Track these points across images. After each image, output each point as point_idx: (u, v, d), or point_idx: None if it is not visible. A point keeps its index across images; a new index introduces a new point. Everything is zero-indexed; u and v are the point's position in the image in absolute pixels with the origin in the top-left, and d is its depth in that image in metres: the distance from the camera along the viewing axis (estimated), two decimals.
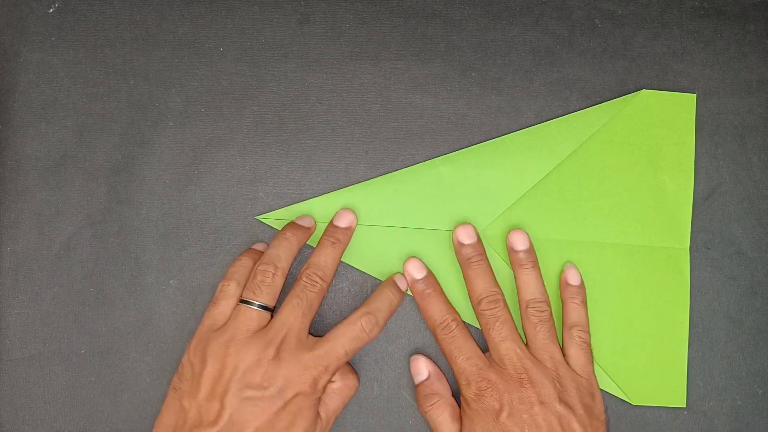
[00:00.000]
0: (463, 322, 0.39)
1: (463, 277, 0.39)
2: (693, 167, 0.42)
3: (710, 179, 0.42)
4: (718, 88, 0.43)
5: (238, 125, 0.41)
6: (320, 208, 0.40)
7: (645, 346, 0.40)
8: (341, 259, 0.40)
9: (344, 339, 0.35)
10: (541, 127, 0.41)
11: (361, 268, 0.40)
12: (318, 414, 0.35)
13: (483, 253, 0.39)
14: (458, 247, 0.39)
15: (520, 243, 0.39)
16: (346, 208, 0.39)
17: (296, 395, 0.33)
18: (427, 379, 0.39)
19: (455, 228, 0.39)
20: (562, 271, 0.40)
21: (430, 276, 0.39)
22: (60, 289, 0.40)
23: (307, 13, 0.42)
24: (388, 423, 0.40)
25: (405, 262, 0.40)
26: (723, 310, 0.41)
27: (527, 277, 0.38)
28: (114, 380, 0.40)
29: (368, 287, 0.41)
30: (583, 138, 0.41)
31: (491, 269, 0.39)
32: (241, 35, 0.42)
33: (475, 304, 0.38)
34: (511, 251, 0.39)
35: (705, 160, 0.42)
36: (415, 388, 0.39)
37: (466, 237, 0.39)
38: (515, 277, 0.39)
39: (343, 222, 0.39)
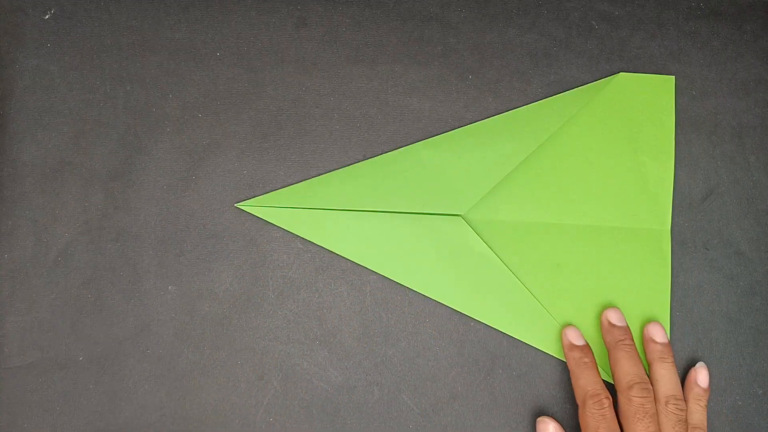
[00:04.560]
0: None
1: (610, 358, 0.38)
2: (673, 149, 0.42)
3: (708, 179, 0.42)
4: (715, 88, 0.43)
5: (235, 130, 0.41)
6: (300, 195, 0.40)
7: None
8: (338, 252, 0.40)
9: None
10: (520, 110, 0.42)
11: (345, 255, 0.40)
12: None
13: (632, 338, 0.39)
14: (608, 327, 0.39)
15: (659, 335, 0.39)
16: None
17: None
18: None
19: (605, 311, 0.39)
20: (692, 369, 0.40)
21: (588, 346, 0.39)
22: (57, 296, 0.40)
23: (303, 17, 0.42)
24: (389, 427, 0.40)
25: (564, 328, 0.40)
26: (722, 310, 0.41)
27: (668, 372, 0.38)
28: (112, 387, 0.39)
29: (367, 291, 0.40)
30: (563, 121, 0.41)
31: (639, 356, 0.38)
32: (238, 40, 0.42)
33: (625, 388, 0.37)
34: (649, 341, 0.39)
35: (703, 161, 0.42)
36: None
37: (617, 320, 0.39)
38: (652, 369, 0.38)
39: None
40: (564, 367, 0.40)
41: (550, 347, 0.40)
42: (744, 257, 0.42)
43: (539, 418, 0.39)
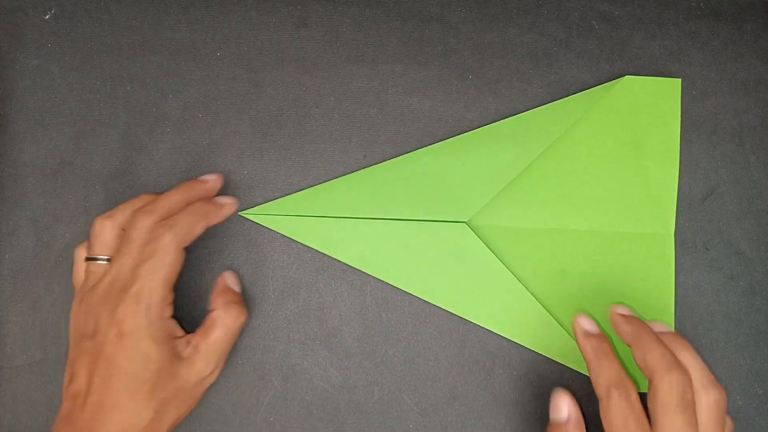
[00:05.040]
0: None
1: (635, 349, 0.34)
2: (678, 153, 0.41)
3: (708, 179, 0.42)
4: (715, 88, 0.43)
5: (235, 130, 0.41)
6: (302, 203, 0.40)
7: None
8: (343, 260, 0.40)
9: (141, 260, 0.34)
10: (524, 115, 0.41)
11: (350, 264, 0.40)
12: (177, 351, 0.34)
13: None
14: (624, 320, 0.36)
15: (665, 329, 0.36)
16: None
17: (118, 335, 0.33)
18: (565, 423, 0.35)
19: (612, 308, 0.37)
20: None
21: (604, 334, 0.36)
22: (59, 296, 0.40)
23: (303, 17, 0.42)
24: (389, 427, 0.40)
25: (576, 316, 0.37)
26: (723, 310, 0.41)
27: (695, 358, 0.34)
28: None
29: (367, 291, 0.40)
30: (567, 125, 0.41)
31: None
32: (238, 40, 0.42)
33: (664, 372, 0.32)
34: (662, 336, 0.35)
35: (703, 161, 0.42)
36: (548, 424, 0.36)
37: (629, 312, 0.37)
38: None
39: (220, 200, 0.38)
40: (565, 368, 0.40)
41: (556, 353, 0.40)
42: (744, 257, 0.42)
43: (554, 390, 0.37)
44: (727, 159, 0.42)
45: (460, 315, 0.40)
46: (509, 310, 0.40)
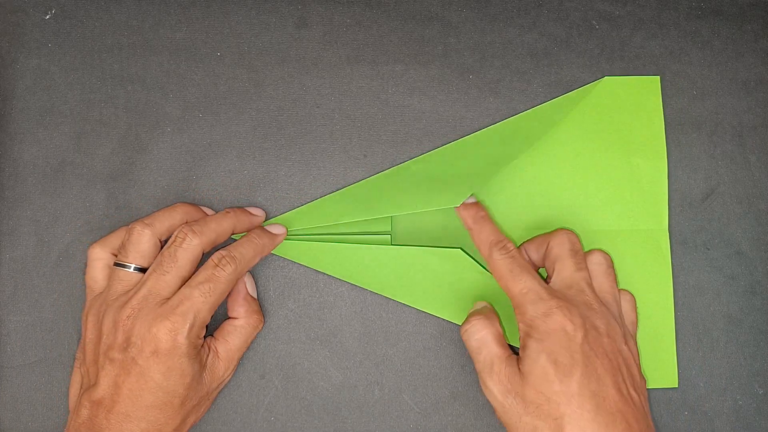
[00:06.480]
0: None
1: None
2: (665, 148, 0.42)
3: (709, 179, 0.42)
4: (715, 88, 0.43)
5: (236, 130, 0.41)
6: (294, 223, 0.40)
7: None
8: (340, 277, 0.40)
9: (197, 282, 0.34)
10: (509, 122, 0.41)
11: (346, 280, 0.40)
12: (202, 362, 0.35)
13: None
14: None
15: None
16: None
17: (154, 352, 0.33)
18: (480, 309, 0.38)
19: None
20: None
21: (479, 203, 0.39)
22: (60, 296, 0.40)
23: (304, 17, 0.42)
24: (389, 427, 0.40)
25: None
26: (723, 310, 0.41)
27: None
28: None
29: (367, 291, 0.41)
30: (552, 128, 0.41)
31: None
32: (239, 40, 0.42)
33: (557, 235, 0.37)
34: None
35: (703, 161, 0.42)
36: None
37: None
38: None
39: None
40: None
41: None
42: (744, 257, 0.42)
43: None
44: (727, 159, 0.42)
45: (458, 323, 0.40)
46: (506, 316, 0.39)
